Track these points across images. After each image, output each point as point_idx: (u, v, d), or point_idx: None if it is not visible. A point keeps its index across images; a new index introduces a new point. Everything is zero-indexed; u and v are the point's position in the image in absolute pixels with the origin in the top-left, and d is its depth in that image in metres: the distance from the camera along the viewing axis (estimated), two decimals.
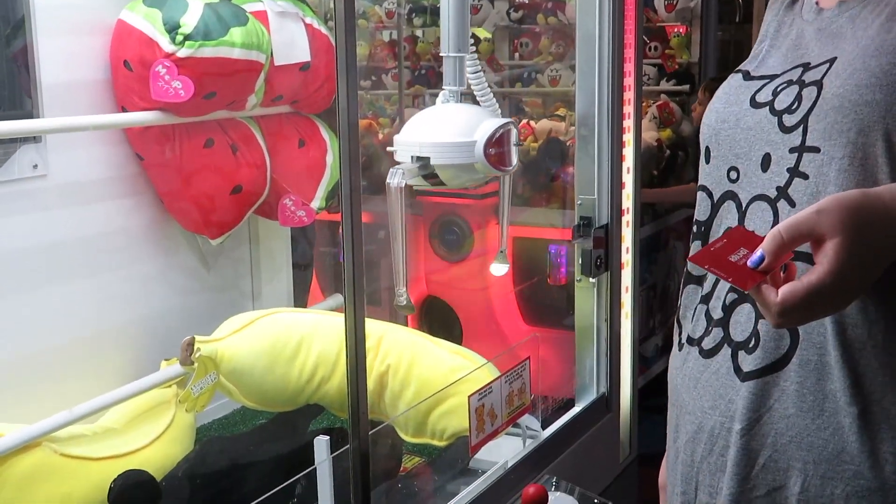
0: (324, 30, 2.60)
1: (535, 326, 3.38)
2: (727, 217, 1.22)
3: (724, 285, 1.20)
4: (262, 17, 2.42)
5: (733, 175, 1.21)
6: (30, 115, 2.18)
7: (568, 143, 3.68)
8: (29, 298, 2.22)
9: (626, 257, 2.92)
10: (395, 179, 2.09)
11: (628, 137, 2.85)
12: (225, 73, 2.30)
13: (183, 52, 2.21)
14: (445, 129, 2.18)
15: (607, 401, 2.88)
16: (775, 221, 1.13)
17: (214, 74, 2.28)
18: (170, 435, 2.26)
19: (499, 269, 2.36)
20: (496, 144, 2.16)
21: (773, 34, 1.29)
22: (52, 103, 2.20)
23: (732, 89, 1.26)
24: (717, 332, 1.20)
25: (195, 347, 2.18)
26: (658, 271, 4.29)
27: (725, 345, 1.18)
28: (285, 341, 2.31)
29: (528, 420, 2.42)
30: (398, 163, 2.21)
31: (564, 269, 3.02)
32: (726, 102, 1.25)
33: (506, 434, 2.30)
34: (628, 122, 2.84)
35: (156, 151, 2.42)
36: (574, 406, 2.81)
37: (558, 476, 2.18)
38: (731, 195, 1.22)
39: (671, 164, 4.46)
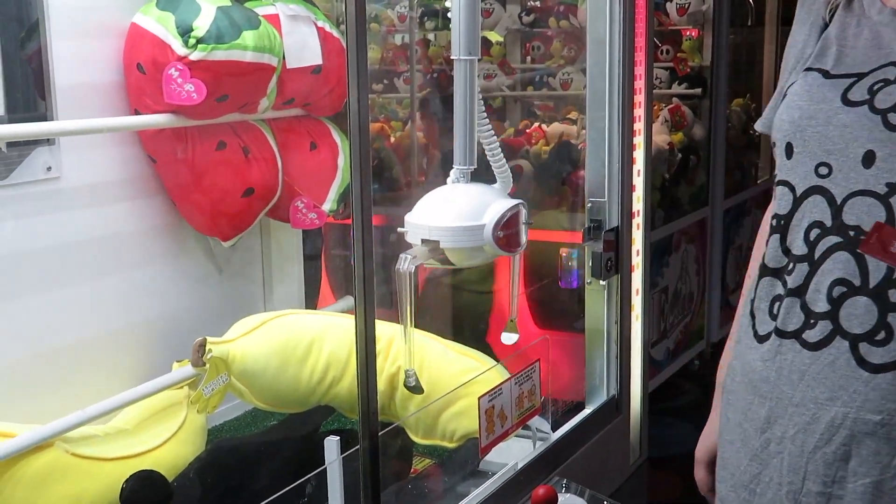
0: (335, 33, 2.61)
1: (545, 329, 3.38)
2: (813, 211, 1.24)
3: (822, 278, 1.22)
4: (274, 20, 2.43)
5: (823, 171, 1.24)
6: (44, 118, 2.19)
7: (580, 147, 3.68)
8: (41, 299, 2.24)
9: (637, 260, 2.92)
10: (404, 265, 2.11)
11: (639, 140, 2.86)
12: (237, 75, 2.31)
13: (195, 56, 2.22)
14: (454, 212, 2.20)
15: (617, 403, 2.89)
16: (889, 217, 1.17)
17: (227, 77, 2.29)
18: (181, 436, 2.27)
19: (509, 338, 2.37)
20: (505, 227, 2.19)
21: (838, 33, 1.32)
22: (65, 106, 2.21)
23: (814, 87, 1.28)
24: (824, 325, 1.22)
25: (207, 349, 2.19)
26: (670, 274, 4.28)
27: (838, 337, 1.21)
28: (296, 343, 2.32)
29: (538, 422, 2.43)
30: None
31: (575, 271, 3.02)
32: (810, 100, 1.27)
33: (516, 436, 2.30)
34: (639, 125, 2.85)
35: (168, 153, 2.44)
36: (584, 408, 2.81)
37: (568, 478, 2.18)
38: (819, 190, 1.24)
39: (682, 167, 4.46)
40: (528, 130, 4.11)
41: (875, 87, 1.22)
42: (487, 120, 2.30)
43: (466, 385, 2.27)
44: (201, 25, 2.24)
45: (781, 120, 1.30)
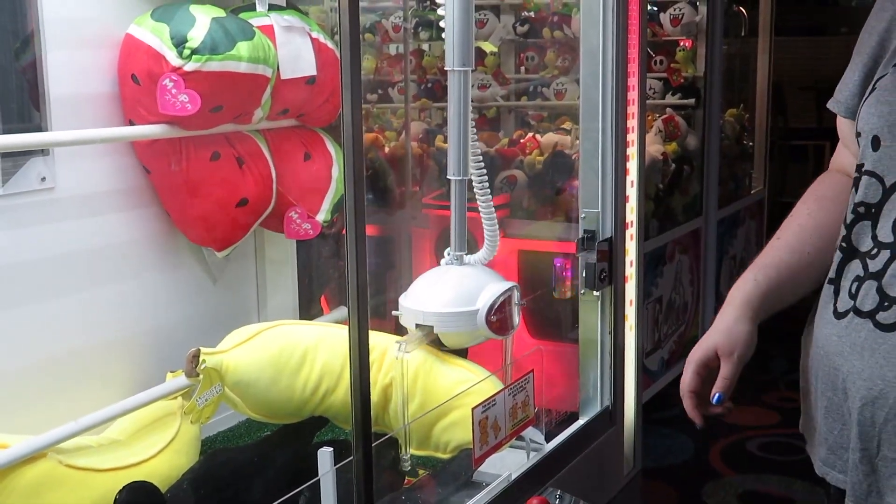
0: (330, 44, 2.62)
1: (539, 340, 3.38)
2: None
3: None
4: (268, 31, 2.44)
5: None
6: (38, 128, 2.19)
7: (573, 157, 3.69)
8: (35, 310, 2.24)
9: (630, 270, 2.93)
10: (399, 352, 2.21)
11: (632, 151, 2.86)
12: (231, 86, 2.31)
13: (190, 66, 2.23)
14: (448, 297, 2.27)
15: (611, 414, 2.88)
16: None
17: (221, 88, 2.29)
18: (175, 446, 2.27)
19: None
20: (498, 311, 2.25)
21: None
22: (60, 116, 2.21)
23: None
24: None
25: (200, 359, 2.19)
26: (664, 284, 4.29)
27: None
28: (290, 353, 2.32)
29: (532, 433, 2.43)
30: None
31: (570, 282, 3.02)
32: None
33: (509, 447, 2.30)
34: (632, 136, 2.85)
35: (162, 164, 2.44)
36: (578, 419, 2.81)
37: (562, 489, 2.18)
38: None
39: (676, 177, 4.47)
40: (522, 140, 4.12)
41: None
42: (486, 175, 2.33)
43: (460, 396, 2.27)
44: (196, 36, 2.24)
45: (870, 113, 1.35)
